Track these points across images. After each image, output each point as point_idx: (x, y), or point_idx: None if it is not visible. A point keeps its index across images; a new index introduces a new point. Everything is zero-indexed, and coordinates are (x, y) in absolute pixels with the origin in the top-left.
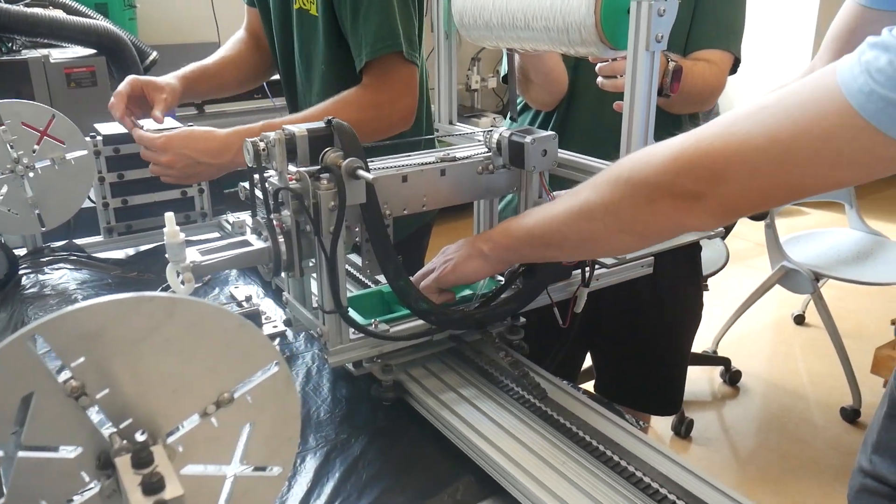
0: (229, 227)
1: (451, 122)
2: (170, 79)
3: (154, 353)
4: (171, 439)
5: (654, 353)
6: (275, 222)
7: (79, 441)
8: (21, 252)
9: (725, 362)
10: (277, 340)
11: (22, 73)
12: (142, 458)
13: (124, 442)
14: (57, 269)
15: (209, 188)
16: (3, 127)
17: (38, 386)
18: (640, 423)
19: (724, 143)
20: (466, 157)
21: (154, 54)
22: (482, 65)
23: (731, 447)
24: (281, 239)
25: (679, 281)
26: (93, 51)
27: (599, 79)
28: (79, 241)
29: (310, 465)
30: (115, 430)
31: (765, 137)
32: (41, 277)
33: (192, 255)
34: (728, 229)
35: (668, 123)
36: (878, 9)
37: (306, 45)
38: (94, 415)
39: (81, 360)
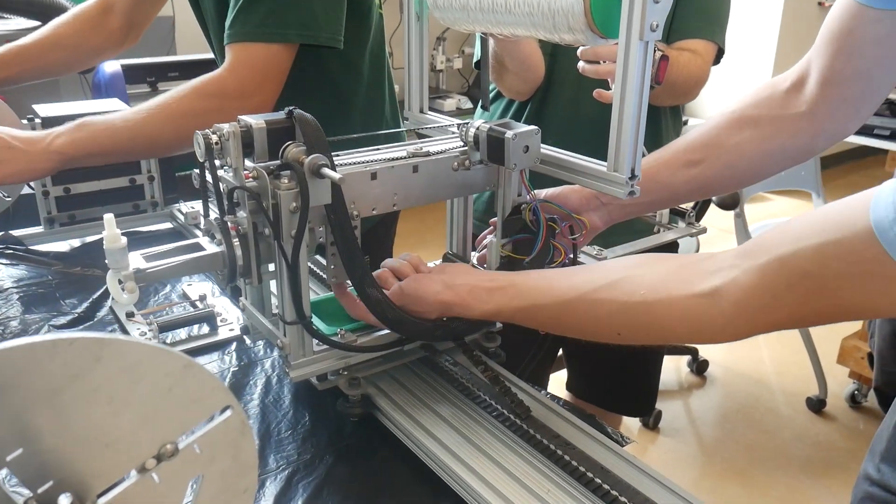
0: (182, 217)
1: (422, 111)
2: None
3: (79, 404)
4: (102, 500)
5: (628, 353)
6: (229, 224)
7: None
8: None
9: (693, 352)
10: (234, 344)
11: None
12: None
13: None
14: None
15: (160, 175)
16: None
17: None
18: (625, 438)
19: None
20: (440, 152)
21: None
22: (447, 44)
23: (698, 438)
24: (236, 242)
25: None
26: (36, 23)
27: (580, 63)
28: (16, 233)
29: (270, 490)
30: (31, 495)
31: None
32: None
33: (136, 261)
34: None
35: (649, 115)
36: (879, 8)
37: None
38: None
39: None
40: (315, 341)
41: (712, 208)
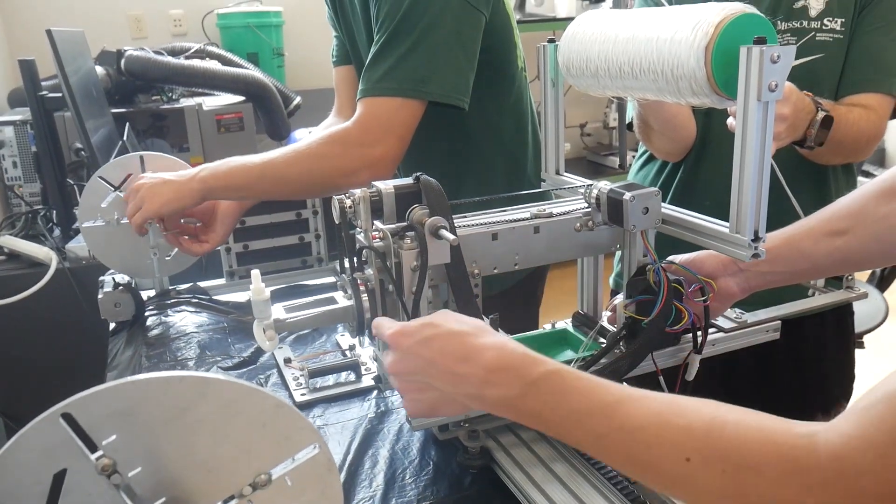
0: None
1: (557, 173)
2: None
3: (187, 433)
4: None
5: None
6: (358, 281)
7: None
8: (151, 293)
9: None
10: (374, 392)
11: (179, 120)
12: None
13: None
14: (179, 311)
15: (325, 233)
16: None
17: (70, 462)
18: None
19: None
20: (563, 214)
21: (297, 99)
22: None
23: None
24: (365, 297)
25: (825, 344)
26: (241, 98)
27: (729, 120)
28: (203, 284)
29: None
30: None
31: None
32: (164, 319)
33: (277, 312)
34: (886, 280)
35: (813, 173)
36: None
37: None
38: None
39: (113, 437)
40: None
41: None
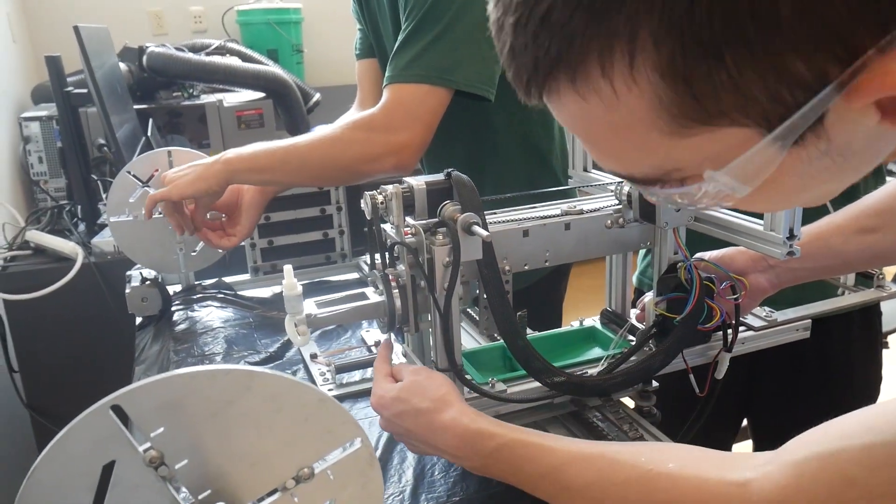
0: (366, 268)
1: (585, 170)
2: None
3: (231, 426)
4: None
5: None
6: (390, 276)
7: None
8: (177, 288)
9: None
10: None
11: (200, 116)
12: None
13: None
14: (205, 306)
15: (349, 229)
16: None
17: (119, 454)
18: None
19: None
20: (594, 210)
21: (317, 96)
22: None
23: None
24: (396, 293)
25: (851, 344)
26: (261, 94)
27: None
28: (228, 279)
29: None
30: (193, 500)
31: None
32: (191, 314)
33: (309, 307)
34: None
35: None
36: None
37: None
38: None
39: (161, 430)
40: (466, 389)
41: None
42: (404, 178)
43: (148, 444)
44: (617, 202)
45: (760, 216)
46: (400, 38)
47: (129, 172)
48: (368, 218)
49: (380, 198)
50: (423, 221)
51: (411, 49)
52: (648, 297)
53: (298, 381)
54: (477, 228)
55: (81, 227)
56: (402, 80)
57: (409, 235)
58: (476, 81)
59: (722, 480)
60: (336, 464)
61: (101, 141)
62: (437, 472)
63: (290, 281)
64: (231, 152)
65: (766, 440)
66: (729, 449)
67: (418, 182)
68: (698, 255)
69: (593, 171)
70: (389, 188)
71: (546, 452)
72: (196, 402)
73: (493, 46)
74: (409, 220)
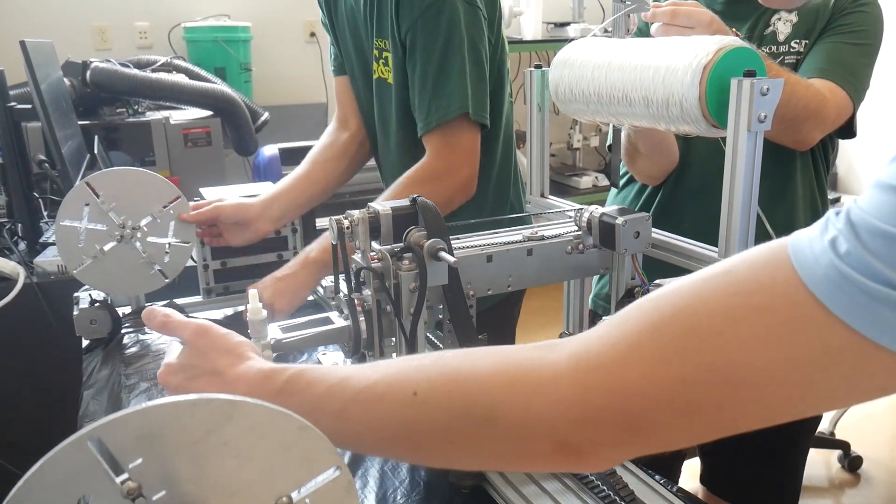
0: (321, 290)
1: (542, 196)
2: (259, 207)
3: (212, 456)
4: None
5: (770, 442)
6: (356, 301)
7: None
8: (126, 310)
9: (844, 446)
10: None
11: (145, 133)
12: None
13: None
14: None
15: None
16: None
17: (95, 487)
18: None
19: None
20: (555, 236)
21: (265, 115)
22: (584, 124)
23: None
24: (361, 318)
25: None
26: (209, 112)
27: (653, 26)
28: (179, 301)
29: None
30: None
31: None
32: (141, 337)
33: (274, 331)
34: None
35: (776, 158)
36: None
37: (383, 111)
38: None
39: (139, 461)
40: None
41: None
42: (370, 204)
43: (125, 476)
44: (577, 228)
45: (703, 240)
46: (419, 78)
47: (87, 183)
48: (334, 243)
49: (346, 222)
50: (389, 246)
51: (426, 92)
52: (606, 321)
53: (280, 410)
54: (444, 254)
55: (22, 245)
56: (443, 121)
57: (376, 260)
58: (482, 111)
59: (525, 348)
60: (315, 492)
61: (42, 157)
62: (399, 497)
63: (254, 306)
64: (314, 251)
65: (712, 458)
66: (681, 463)
67: (384, 207)
68: (657, 280)
69: (550, 196)
70: (356, 213)
71: (334, 370)
72: (176, 432)
73: (483, 68)
74: (374, 245)
